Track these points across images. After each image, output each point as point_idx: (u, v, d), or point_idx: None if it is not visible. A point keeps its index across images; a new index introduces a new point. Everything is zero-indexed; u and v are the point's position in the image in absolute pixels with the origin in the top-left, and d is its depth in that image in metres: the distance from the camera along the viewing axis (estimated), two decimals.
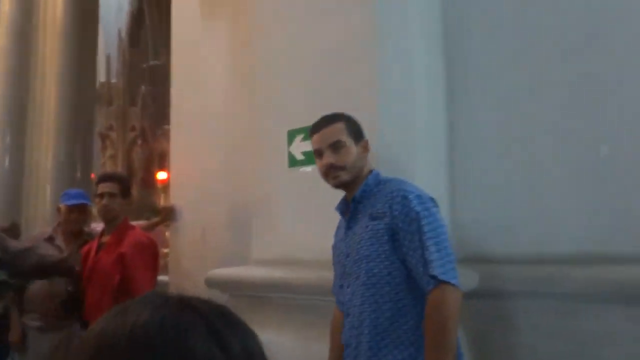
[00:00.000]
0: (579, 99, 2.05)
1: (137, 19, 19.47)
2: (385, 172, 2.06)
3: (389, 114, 2.14)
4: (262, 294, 2.22)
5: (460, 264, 2.20)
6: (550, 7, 2.14)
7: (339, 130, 1.75)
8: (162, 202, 11.92)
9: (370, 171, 1.79)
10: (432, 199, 1.69)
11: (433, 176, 2.24)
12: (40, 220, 5.48)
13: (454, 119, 2.31)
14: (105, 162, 14.95)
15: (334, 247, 1.86)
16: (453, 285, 1.57)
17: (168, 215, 3.28)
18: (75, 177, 5.66)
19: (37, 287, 3.07)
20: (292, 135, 2.34)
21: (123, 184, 2.90)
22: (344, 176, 1.74)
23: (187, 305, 0.53)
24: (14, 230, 4.72)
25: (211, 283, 2.39)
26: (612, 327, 1.76)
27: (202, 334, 0.51)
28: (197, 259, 3.07)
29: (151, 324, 0.50)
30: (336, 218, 1.89)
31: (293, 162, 2.34)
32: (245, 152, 2.73)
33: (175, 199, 3.29)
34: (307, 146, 2.30)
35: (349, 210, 1.78)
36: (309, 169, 2.26)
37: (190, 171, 3.20)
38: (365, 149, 1.79)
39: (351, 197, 1.76)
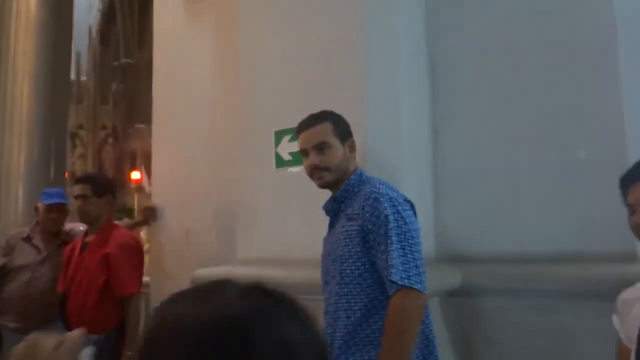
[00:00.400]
0: (556, 104, 2.13)
1: (107, 16, 19.16)
2: (371, 173, 2.10)
3: (375, 115, 2.18)
4: None
5: (443, 263, 2.28)
6: (533, 14, 2.21)
7: (325, 131, 1.75)
8: (135, 202, 11.77)
9: (355, 170, 1.79)
10: (407, 201, 1.70)
11: (418, 178, 2.30)
12: (12, 219, 5.34)
13: (437, 122, 2.38)
14: (74, 161, 14.68)
15: (323, 241, 1.88)
16: (416, 289, 1.55)
17: (150, 215, 3.25)
18: (49, 176, 5.54)
19: (13, 287, 3.02)
20: (279, 135, 2.37)
21: (96, 184, 2.85)
22: (328, 177, 1.75)
23: (265, 292, 0.56)
24: None
25: (198, 282, 2.39)
26: (590, 324, 1.84)
27: (288, 319, 0.53)
28: (179, 259, 3.05)
29: (241, 312, 0.53)
30: (323, 218, 1.93)
31: (280, 162, 2.37)
32: (230, 153, 2.74)
33: (157, 198, 3.27)
34: (294, 147, 2.31)
35: (333, 208, 1.80)
36: (296, 169, 2.29)
37: (172, 171, 3.18)
38: (352, 148, 1.79)
39: (335, 195, 1.79)
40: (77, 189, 2.81)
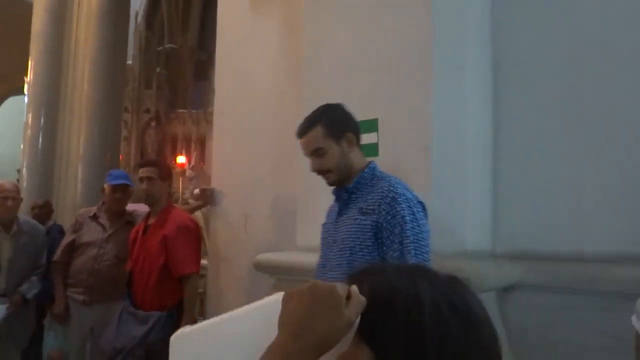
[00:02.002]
0: (623, 101, 2.12)
1: (153, 2, 19.46)
2: (433, 168, 2.16)
3: (440, 112, 2.21)
4: (312, 278, 2.33)
5: (500, 258, 2.32)
6: (599, 12, 2.20)
7: (317, 137, 1.81)
8: (180, 186, 12.07)
9: (368, 163, 1.84)
10: (420, 203, 1.75)
11: (478, 173, 2.34)
12: (70, 197, 5.61)
13: (499, 118, 2.40)
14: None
15: (324, 227, 1.93)
16: None
17: (208, 197, 3.38)
18: (105, 158, 5.78)
19: (81, 262, 3.20)
20: None
21: (162, 168, 3.02)
22: (332, 177, 1.83)
23: (455, 279, 0.66)
24: (46, 207, 4.87)
25: (260, 267, 2.50)
26: None
27: (483, 306, 0.63)
28: (236, 243, 3.17)
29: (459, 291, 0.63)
30: None
31: None
32: (292, 144, 2.81)
33: (216, 184, 3.39)
34: None
35: (342, 197, 1.84)
36: None
37: (233, 159, 3.29)
38: (351, 142, 1.82)
39: (347, 185, 1.83)
40: (145, 172, 2.95)
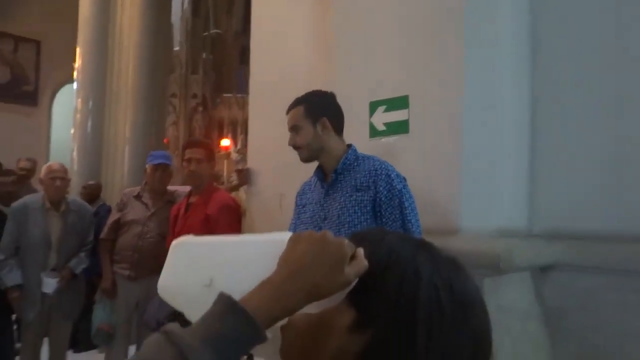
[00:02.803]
0: None
1: None
2: (468, 141, 2.11)
3: (474, 84, 2.15)
4: None
5: (537, 238, 2.26)
6: None
7: (297, 115, 1.98)
8: (224, 168, 12.32)
9: (348, 147, 1.98)
10: (405, 178, 1.90)
11: (515, 148, 2.27)
12: (118, 179, 5.84)
13: (537, 90, 2.31)
14: (168, 128, 15.50)
15: (303, 207, 2.05)
16: None
17: (245, 177, 3.44)
18: (150, 141, 5.96)
19: (126, 239, 3.33)
20: (374, 106, 2.41)
21: (208, 149, 3.09)
22: (302, 154, 2.00)
23: (457, 262, 0.64)
24: (96, 188, 5.09)
25: None
26: None
27: (480, 295, 0.62)
28: (272, 222, 3.21)
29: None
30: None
31: (374, 132, 2.42)
32: None
33: (252, 164, 3.44)
34: (389, 117, 2.37)
35: (328, 178, 1.97)
36: (390, 139, 2.34)
37: (268, 139, 3.32)
38: (325, 126, 1.97)
39: (326, 167, 1.98)
40: (192, 152, 3.01)
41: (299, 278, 0.57)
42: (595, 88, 2.17)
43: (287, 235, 0.63)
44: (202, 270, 0.67)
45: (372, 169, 1.88)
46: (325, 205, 1.96)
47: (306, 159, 2.02)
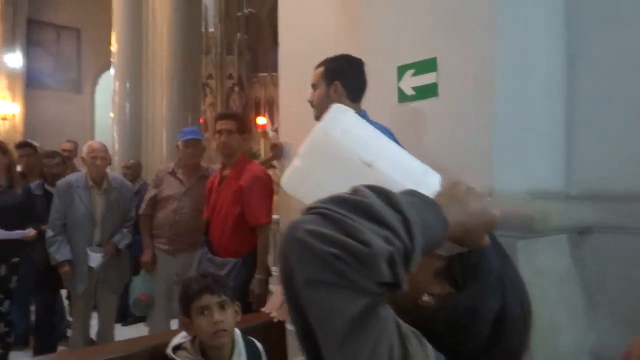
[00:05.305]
0: None
1: None
2: (499, 104, 2.05)
3: (504, 46, 2.08)
4: None
5: (573, 200, 2.19)
6: None
7: (317, 75, 2.13)
8: (261, 146, 12.44)
9: (359, 112, 1.99)
10: None
11: (549, 110, 2.19)
12: (157, 158, 5.99)
13: (573, 49, 2.21)
14: (205, 109, 15.71)
15: None
16: None
17: (278, 151, 3.46)
18: (187, 121, 6.07)
19: (163, 215, 3.43)
20: (402, 70, 2.37)
21: (239, 121, 3.11)
22: (315, 112, 2.11)
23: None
24: (136, 168, 5.24)
25: None
26: None
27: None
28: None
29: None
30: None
31: (403, 97, 2.38)
32: None
33: (285, 138, 3.45)
34: (417, 81, 2.32)
35: None
36: (419, 104, 2.30)
37: (298, 112, 3.31)
38: (337, 90, 2.06)
39: None
40: (223, 124, 3.05)
41: (455, 203, 0.72)
42: (637, 49, 2.06)
43: (437, 177, 0.83)
44: (364, 150, 0.76)
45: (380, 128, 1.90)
46: None
47: (316, 118, 2.08)
